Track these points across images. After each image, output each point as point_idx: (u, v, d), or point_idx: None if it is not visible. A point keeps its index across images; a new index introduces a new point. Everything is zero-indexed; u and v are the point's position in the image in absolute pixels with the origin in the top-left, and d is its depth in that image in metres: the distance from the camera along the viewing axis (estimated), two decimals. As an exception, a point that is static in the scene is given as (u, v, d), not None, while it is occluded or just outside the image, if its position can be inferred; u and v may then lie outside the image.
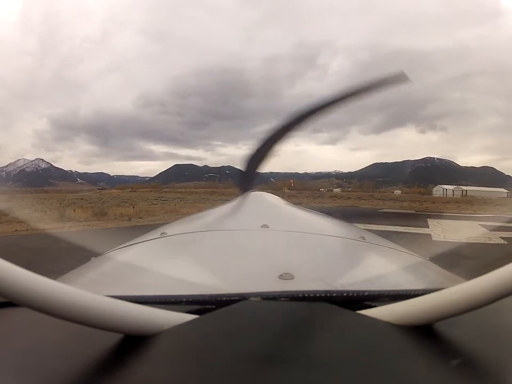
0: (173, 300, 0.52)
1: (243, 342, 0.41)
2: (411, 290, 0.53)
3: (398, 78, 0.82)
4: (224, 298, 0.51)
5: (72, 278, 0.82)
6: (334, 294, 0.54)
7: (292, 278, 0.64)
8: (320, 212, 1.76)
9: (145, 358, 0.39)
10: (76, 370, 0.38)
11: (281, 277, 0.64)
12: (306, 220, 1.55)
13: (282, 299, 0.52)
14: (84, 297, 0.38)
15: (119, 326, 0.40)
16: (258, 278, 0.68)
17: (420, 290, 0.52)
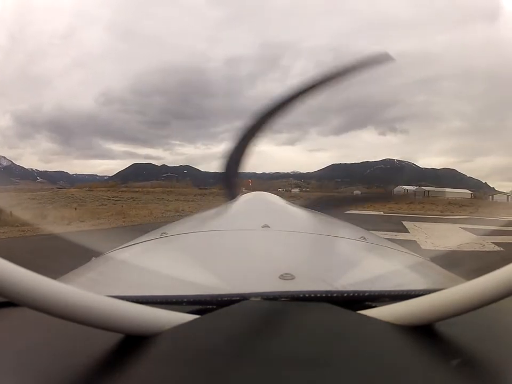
0: (173, 300, 0.52)
1: (244, 342, 0.41)
2: (411, 291, 0.54)
3: (382, 58, 0.84)
4: (225, 299, 0.51)
5: (73, 278, 0.81)
6: (335, 294, 0.54)
7: (292, 278, 0.64)
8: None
9: (145, 358, 0.39)
10: (77, 370, 0.38)
11: (282, 277, 0.64)
12: (307, 220, 1.54)
13: (283, 299, 0.52)
14: (84, 297, 0.38)
15: (119, 326, 0.40)
16: (259, 278, 0.68)
17: (420, 290, 0.52)
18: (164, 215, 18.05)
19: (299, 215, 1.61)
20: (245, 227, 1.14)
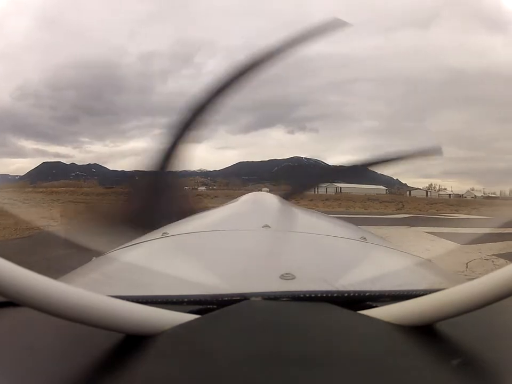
0: (174, 299, 0.53)
1: (244, 342, 0.41)
2: (412, 291, 0.54)
3: (334, 25, 0.80)
4: (226, 298, 0.52)
5: (73, 277, 0.82)
6: (335, 294, 0.54)
7: (293, 278, 0.64)
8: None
9: (146, 358, 0.39)
10: (77, 370, 0.38)
11: (283, 277, 0.64)
12: (307, 220, 1.56)
13: (284, 299, 0.52)
14: (85, 296, 0.38)
15: (120, 326, 0.40)
16: (260, 278, 0.68)
17: (421, 290, 0.52)
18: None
19: (299, 215, 1.62)
20: (246, 227, 1.14)
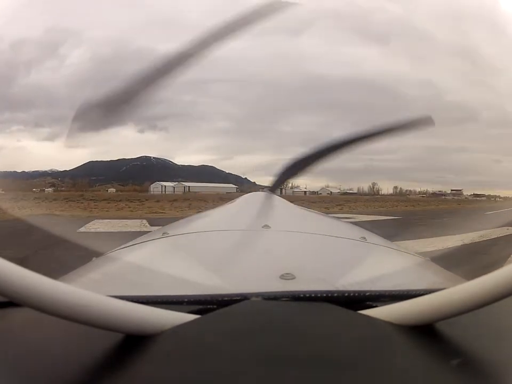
0: (174, 299, 0.53)
1: (244, 342, 0.42)
2: (412, 291, 0.54)
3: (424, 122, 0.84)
4: (226, 298, 0.52)
5: (74, 277, 0.82)
6: (335, 294, 0.54)
7: (293, 278, 0.64)
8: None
9: (146, 358, 0.39)
10: (77, 370, 0.39)
11: (283, 277, 0.65)
12: (307, 220, 1.58)
13: (284, 299, 0.52)
14: (85, 297, 0.38)
15: (120, 326, 0.40)
16: (260, 278, 0.69)
17: (421, 290, 0.52)
18: None
19: (300, 215, 1.67)
20: (246, 227, 1.14)
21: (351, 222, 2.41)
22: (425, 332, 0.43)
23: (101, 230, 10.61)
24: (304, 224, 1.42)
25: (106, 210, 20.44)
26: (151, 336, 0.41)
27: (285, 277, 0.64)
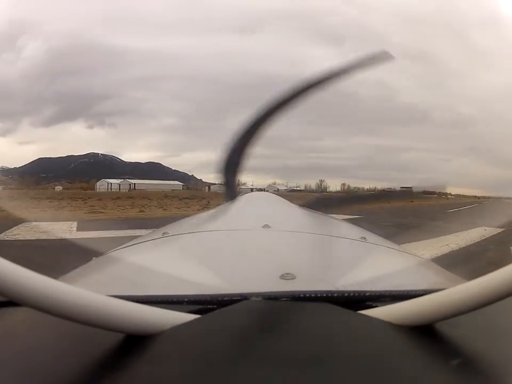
0: (174, 299, 0.53)
1: (244, 342, 0.42)
2: (412, 291, 0.54)
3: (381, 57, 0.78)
4: (226, 298, 0.52)
5: (73, 277, 0.82)
6: (335, 294, 0.54)
7: (293, 278, 0.64)
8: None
9: (146, 358, 0.39)
10: (77, 370, 0.39)
11: (283, 277, 0.64)
12: (307, 220, 1.52)
13: (284, 299, 0.52)
14: (85, 296, 0.38)
15: (120, 326, 0.40)
16: (260, 278, 0.68)
17: (421, 290, 0.52)
18: None
19: (300, 215, 1.59)
20: (246, 227, 1.13)
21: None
22: (425, 332, 0.43)
23: (20, 237, 8.30)
24: (304, 224, 1.39)
25: (45, 211, 17.76)
26: (151, 336, 0.41)
27: (285, 277, 0.64)
